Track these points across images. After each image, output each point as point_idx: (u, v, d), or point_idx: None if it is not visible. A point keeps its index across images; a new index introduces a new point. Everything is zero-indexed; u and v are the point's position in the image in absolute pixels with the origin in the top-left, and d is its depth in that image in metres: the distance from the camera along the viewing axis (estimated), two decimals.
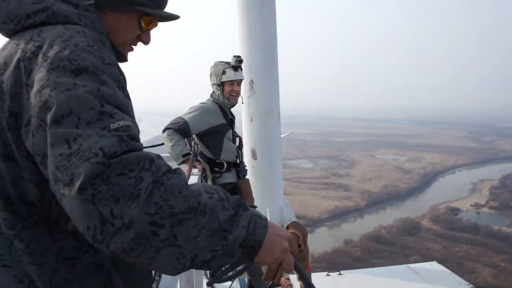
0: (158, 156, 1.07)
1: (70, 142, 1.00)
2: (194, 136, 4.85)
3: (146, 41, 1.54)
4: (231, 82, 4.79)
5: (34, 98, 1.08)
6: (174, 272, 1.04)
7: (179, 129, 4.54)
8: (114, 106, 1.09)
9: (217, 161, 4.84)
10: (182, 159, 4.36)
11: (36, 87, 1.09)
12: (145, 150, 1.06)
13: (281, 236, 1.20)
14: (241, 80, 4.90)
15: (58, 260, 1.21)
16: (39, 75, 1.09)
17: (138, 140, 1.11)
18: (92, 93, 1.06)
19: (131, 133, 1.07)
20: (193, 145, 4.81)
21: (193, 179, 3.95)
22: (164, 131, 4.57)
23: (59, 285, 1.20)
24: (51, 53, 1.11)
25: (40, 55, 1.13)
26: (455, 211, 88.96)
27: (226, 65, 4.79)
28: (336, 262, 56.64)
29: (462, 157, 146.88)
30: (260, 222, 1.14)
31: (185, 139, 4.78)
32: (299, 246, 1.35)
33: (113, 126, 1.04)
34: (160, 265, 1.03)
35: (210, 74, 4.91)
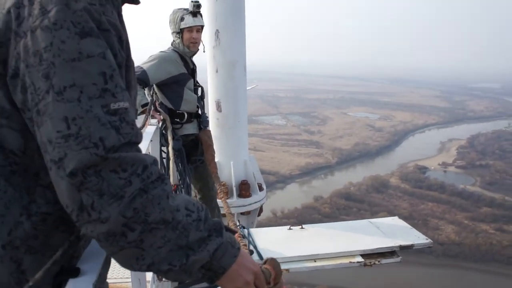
0: (153, 162, 1.09)
1: (69, 122, 0.99)
2: (154, 85, 4.72)
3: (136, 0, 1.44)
4: (190, 29, 4.62)
5: (29, 55, 1.04)
6: (130, 268, 1.09)
7: (138, 78, 4.36)
8: (115, 81, 1.07)
9: (177, 111, 4.73)
10: (140, 110, 4.22)
11: (34, 45, 1.03)
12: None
13: (248, 269, 1.22)
14: (201, 26, 4.74)
15: (23, 213, 1.16)
16: (40, 34, 1.03)
17: (133, 125, 1.10)
18: (97, 66, 1.03)
19: (129, 118, 1.08)
20: (151, 94, 4.68)
21: (151, 129, 3.83)
22: None
23: (19, 239, 1.15)
24: (52, 8, 1.04)
25: (37, 6, 1.05)
26: (423, 169, 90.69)
27: (185, 11, 4.61)
28: (305, 218, 57.45)
29: (433, 116, 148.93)
30: (230, 250, 1.18)
31: (145, 89, 4.64)
32: (268, 283, 1.38)
33: (113, 106, 1.04)
34: (119, 259, 1.07)
35: (169, 22, 4.73)
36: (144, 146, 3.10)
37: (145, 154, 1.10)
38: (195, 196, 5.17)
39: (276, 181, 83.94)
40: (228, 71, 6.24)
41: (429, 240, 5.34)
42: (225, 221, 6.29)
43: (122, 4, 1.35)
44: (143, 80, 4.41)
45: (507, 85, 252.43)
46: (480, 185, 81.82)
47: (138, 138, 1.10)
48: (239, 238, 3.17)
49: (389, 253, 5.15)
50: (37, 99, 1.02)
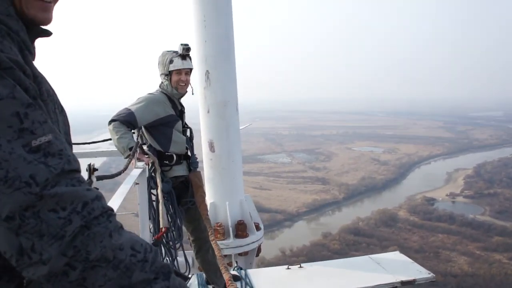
0: (95, 198, 1.07)
1: None
2: (142, 128, 4.69)
3: None
4: (179, 71, 4.60)
5: None
6: None
7: (126, 120, 4.35)
8: (32, 118, 1.02)
9: (166, 153, 4.68)
10: (128, 152, 4.16)
11: None
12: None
13: None
14: (190, 69, 4.72)
15: None
16: None
17: (61, 154, 1.06)
18: (8, 107, 0.98)
19: (53, 150, 1.04)
20: (137, 137, 4.64)
21: (137, 172, 3.77)
22: (110, 123, 4.36)
23: None
24: None
25: None
26: (431, 201, 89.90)
27: (174, 53, 4.60)
28: (314, 256, 56.83)
29: (437, 147, 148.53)
30: None
31: (133, 131, 4.60)
32: None
33: (34, 143, 1.01)
34: None
35: (158, 64, 4.73)
36: (126, 189, 3.04)
37: (88, 188, 1.08)
38: (188, 239, 5.08)
39: (284, 219, 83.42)
40: (219, 111, 6.25)
41: (431, 275, 5.24)
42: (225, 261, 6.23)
43: (35, 38, 1.30)
44: (131, 122, 4.38)
45: (510, 112, 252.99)
46: (490, 214, 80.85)
47: (72, 164, 1.07)
48: (229, 282, 3.09)
49: None
50: None
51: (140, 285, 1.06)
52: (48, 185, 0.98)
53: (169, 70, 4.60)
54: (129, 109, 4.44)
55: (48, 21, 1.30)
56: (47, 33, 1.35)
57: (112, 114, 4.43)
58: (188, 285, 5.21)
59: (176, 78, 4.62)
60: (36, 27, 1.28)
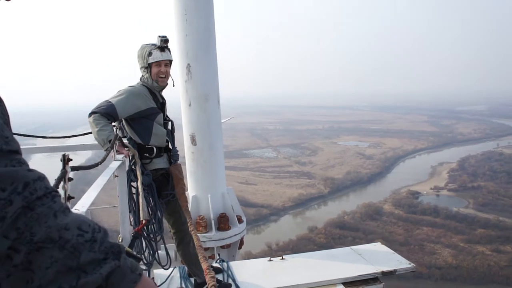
0: (38, 179, 1.03)
1: None
2: (122, 120, 4.67)
3: None
4: (158, 63, 4.61)
5: None
6: None
7: (106, 112, 4.34)
8: None
9: (146, 146, 4.67)
10: (108, 145, 4.14)
11: None
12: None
13: None
14: (169, 60, 4.72)
15: None
16: None
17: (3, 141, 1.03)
18: None
19: None
20: (116, 130, 4.62)
21: (116, 165, 3.75)
22: (90, 115, 4.35)
23: None
24: None
25: None
26: (416, 194, 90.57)
27: (152, 46, 4.61)
28: (301, 250, 56.77)
29: (422, 141, 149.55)
30: (129, 275, 1.10)
31: (113, 124, 4.58)
32: None
33: None
34: (9, 285, 0.97)
35: (137, 57, 4.72)
36: (104, 181, 3.02)
37: (29, 169, 1.03)
38: (170, 231, 5.08)
39: (270, 213, 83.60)
40: (201, 104, 6.25)
41: (412, 265, 5.27)
42: (208, 254, 6.23)
43: None
44: (111, 114, 4.36)
45: (493, 107, 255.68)
46: (473, 207, 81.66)
47: (11, 145, 1.03)
48: (207, 271, 3.08)
49: (372, 279, 5.07)
50: None
51: (90, 266, 1.02)
52: None
53: (149, 62, 4.60)
54: (110, 102, 4.43)
55: None
56: None
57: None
58: (170, 277, 5.21)
59: (155, 70, 4.62)
60: None
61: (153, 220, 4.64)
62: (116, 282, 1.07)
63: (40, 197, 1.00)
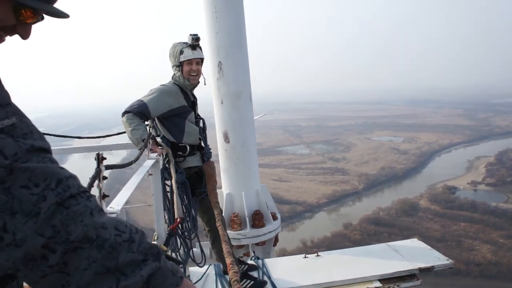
0: (70, 177, 1.01)
1: None
2: (155, 119, 4.72)
3: (24, 35, 1.24)
4: (190, 62, 4.65)
5: None
6: None
7: (139, 111, 4.40)
8: None
9: (180, 144, 4.71)
10: (142, 144, 4.18)
11: None
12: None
13: None
14: (201, 59, 4.75)
15: None
16: None
17: (31, 134, 1.03)
18: None
19: (19, 133, 1.00)
20: (150, 129, 4.67)
21: (150, 163, 3.78)
22: (123, 114, 4.41)
23: None
24: None
25: None
26: (453, 189, 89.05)
27: (184, 44, 4.65)
28: (336, 246, 56.61)
29: (458, 135, 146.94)
30: (170, 278, 1.07)
31: (146, 123, 4.63)
32: None
33: None
34: None
35: (169, 56, 4.76)
36: (138, 179, 3.04)
37: (61, 167, 1.02)
38: (204, 230, 5.10)
39: (304, 210, 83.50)
40: (233, 102, 6.26)
41: (450, 261, 5.18)
42: (239, 253, 6.24)
43: None
44: (144, 113, 4.42)
45: None
46: None
47: (43, 143, 1.02)
48: (230, 266, 3.07)
49: (409, 276, 5.00)
50: None
51: (129, 267, 0.99)
52: (18, 160, 0.93)
53: (180, 61, 4.63)
54: (142, 101, 4.48)
55: None
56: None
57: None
58: (205, 275, 5.23)
59: (187, 68, 4.66)
60: None
61: (188, 218, 4.68)
62: (157, 285, 1.03)
63: (74, 195, 0.98)
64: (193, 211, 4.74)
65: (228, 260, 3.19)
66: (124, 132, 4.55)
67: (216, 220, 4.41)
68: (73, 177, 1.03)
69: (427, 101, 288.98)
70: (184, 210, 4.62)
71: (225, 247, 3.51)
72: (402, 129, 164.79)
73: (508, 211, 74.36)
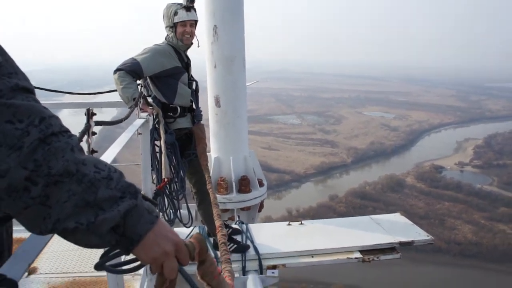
0: (53, 116, 1.03)
1: None
2: (147, 78, 4.70)
3: None
4: (183, 23, 4.62)
5: None
6: (37, 230, 0.99)
7: (131, 70, 4.37)
8: None
9: (170, 105, 4.70)
10: (132, 103, 4.17)
11: None
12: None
13: (167, 238, 1.15)
14: (195, 21, 4.71)
15: None
16: None
17: (16, 74, 1.04)
18: None
19: (4, 71, 1.01)
20: (141, 88, 4.65)
21: (140, 122, 3.78)
22: (115, 72, 4.38)
23: None
24: None
25: None
26: (439, 169, 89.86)
27: (178, 5, 4.61)
28: (321, 217, 56.31)
29: (449, 115, 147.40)
30: (146, 216, 1.10)
31: (138, 81, 4.61)
32: (192, 258, 1.31)
33: None
34: (25, 220, 0.99)
35: (163, 16, 4.72)
36: (127, 137, 3.05)
37: (44, 107, 1.03)
38: (191, 191, 5.13)
39: (291, 180, 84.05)
40: (226, 67, 6.24)
41: (430, 237, 5.28)
42: (224, 217, 6.31)
43: None
44: (136, 71, 4.39)
45: None
46: (497, 185, 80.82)
47: (27, 83, 1.04)
48: (219, 228, 3.11)
49: (389, 249, 5.11)
50: None
51: (107, 202, 1.03)
52: (2, 97, 0.94)
53: (174, 22, 4.60)
54: (135, 59, 4.45)
55: None
56: None
57: None
58: (190, 235, 5.28)
59: (181, 29, 4.63)
60: None
61: (176, 179, 4.71)
62: (133, 221, 1.07)
63: (55, 133, 1.00)
64: (181, 172, 4.78)
65: (218, 222, 3.23)
66: (115, 90, 4.53)
67: (207, 183, 4.44)
68: (55, 117, 1.04)
69: (421, 79, 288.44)
70: (173, 171, 4.65)
71: (215, 210, 3.55)
72: (394, 105, 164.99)
73: (492, 193, 75.33)
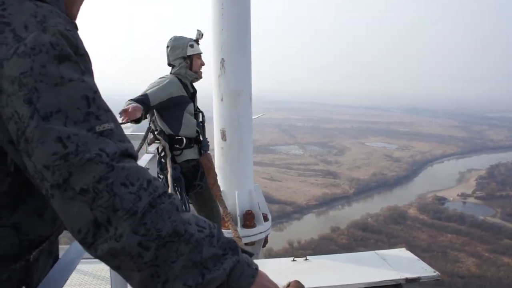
0: (155, 178, 1.05)
1: (64, 141, 0.96)
2: (154, 111, 4.73)
3: None
4: (199, 56, 4.79)
5: (7, 84, 0.99)
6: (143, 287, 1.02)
7: (139, 99, 4.39)
8: (98, 103, 1.05)
9: (176, 137, 4.72)
10: (129, 103, 4.28)
11: (11, 72, 0.99)
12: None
13: None
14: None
15: None
16: (16, 61, 0.99)
17: (121, 141, 1.07)
18: (79, 89, 1.02)
19: (115, 138, 1.04)
20: (149, 122, 4.69)
21: (148, 157, 3.79)
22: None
23: None
24: (28, 35, 1.01)
25: (10, 34, 1.02)
26: (442, 200, 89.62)
27: (190, 39, 4.73)
28: (322, 249, 56.80)
29: (451, 146, 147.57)
30: (247, 270, 1.10)
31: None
32: None
33: (98, 128, 1.01)
34: (136, 281, 1.01)
35: (171, 48, 4.79)
36: None
37: (146, 170, 1.06)
38: None
39: (293, 211, 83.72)
40: (233, 100, 6.25)
41: (436, 273, 5.20)
42: None
43: None
44: (144, 101, 4.40)
45: None
46: (501, 216, 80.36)
47: (134, 151, 1.07)
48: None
49: (394, 286, 5.02)
50: (22, 127, 0.98)
51: (211, 261, 1.03)
52: (114, 159, 0.98)
53: (188, 54, 4.72)
54: (144, 92, 4.52)
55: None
56: None
57: None
58: None
59: (198, 62, 4.81)
60: None
61: None
62: (236, 277, 1.07)
63: (160, 195, 1.02)
64: (187, 207, 4.78)
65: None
66: (125, 123, 4.56)
67: (224, 215, 4.43)
68: (156, 179, 1.06)
69: (424, 110, 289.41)
70: None
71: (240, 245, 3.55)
72: (396, 136, 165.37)
73: (495, 225, 74.86)
